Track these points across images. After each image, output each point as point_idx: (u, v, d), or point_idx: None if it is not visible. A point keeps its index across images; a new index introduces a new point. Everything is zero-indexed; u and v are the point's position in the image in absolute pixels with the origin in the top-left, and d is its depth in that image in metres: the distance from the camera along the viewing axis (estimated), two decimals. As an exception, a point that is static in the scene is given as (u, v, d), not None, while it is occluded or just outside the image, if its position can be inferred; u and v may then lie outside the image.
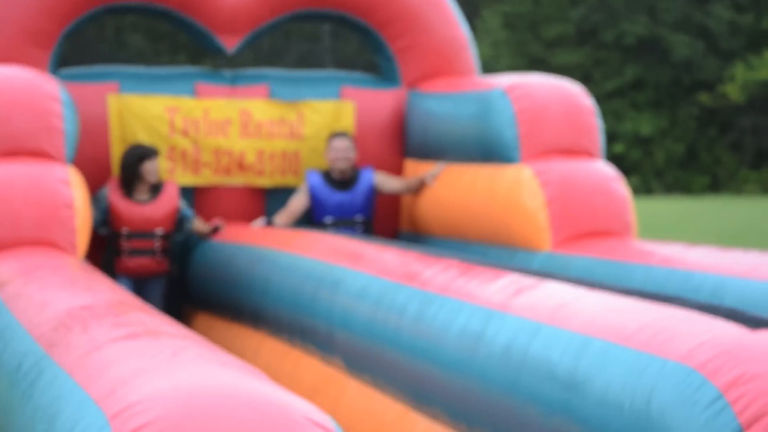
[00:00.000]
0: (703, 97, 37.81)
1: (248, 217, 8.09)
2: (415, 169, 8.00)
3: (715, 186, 38.05)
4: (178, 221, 7.60)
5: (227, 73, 8.25)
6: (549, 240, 6.39)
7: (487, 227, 6.94)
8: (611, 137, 37.67)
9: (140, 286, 7.51)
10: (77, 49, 31.20)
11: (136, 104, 7.93)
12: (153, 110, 7.95)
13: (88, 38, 33.67)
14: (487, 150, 7.00)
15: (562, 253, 6.27)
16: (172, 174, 7.93)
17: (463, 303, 4.41)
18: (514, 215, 6.62)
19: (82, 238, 6.36)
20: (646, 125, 38.07)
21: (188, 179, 8.00)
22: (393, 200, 8.16)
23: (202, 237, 7.72)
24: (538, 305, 4.01)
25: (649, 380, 3.23)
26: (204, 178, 8.07)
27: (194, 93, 8.05)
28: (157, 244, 7.47)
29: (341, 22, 8.42)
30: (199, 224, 7.72)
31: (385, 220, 8.15)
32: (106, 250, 7.48)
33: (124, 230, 7.40)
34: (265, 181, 8.15)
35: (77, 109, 7.29)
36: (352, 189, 7.78)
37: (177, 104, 7.99)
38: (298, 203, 7.81)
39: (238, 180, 8.11)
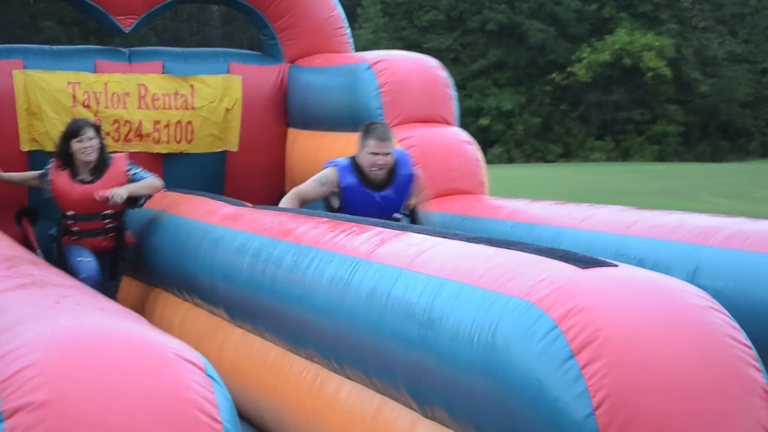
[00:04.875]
0: (555, 77, 38.37)
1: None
2: (296, 136, 7.89)
3: (567, 154, 38.71)
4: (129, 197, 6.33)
5: (125, 50, 8.03)
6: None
7: None
8: (477, 112, 38.01)
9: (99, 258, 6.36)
10: (-4, 33, 30.18)
11: (40, 79, 7.66)
12: (56, 84, 7.69)
13: (6, 23, 32.59)
14: (356, 118, 6.93)
15: (422, 211, 6.25)
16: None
17: (333, 254, 4.35)
18: (382, 177, 6.54)
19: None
20: (507, 101, 38.52)
21: (90, 147, 7.76)
22: (277, 164, 8.01)
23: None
24: (399, 253, 3.98)
25: (494, 315, 3.23)
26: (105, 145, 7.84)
27: (94, 69, 7.80)
28: (107, 224, 6.36)
29: (227, 4, 8.24)
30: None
31: (271, 184, 8.02)
32: (57, 229, 6.38)
33: (70, 212, 6.28)
34: (161, 148, 7.96)
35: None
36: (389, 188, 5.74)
37: (78, 79, 7.74)
38: (314, 194, 5.74)
39: (137, 147, 7.90)
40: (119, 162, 6.33)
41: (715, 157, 37.70)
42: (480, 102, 38.07)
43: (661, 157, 37.80)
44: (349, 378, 4.11)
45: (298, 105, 7.85)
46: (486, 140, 37.67)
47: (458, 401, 3.32)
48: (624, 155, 38.25)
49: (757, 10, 41.07)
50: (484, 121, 37.87)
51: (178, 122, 7.94)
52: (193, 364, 2.63)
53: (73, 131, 6.22)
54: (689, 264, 4.45)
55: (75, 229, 6.27)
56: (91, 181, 6.23)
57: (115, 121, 7.82)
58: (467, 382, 3.26)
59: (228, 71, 8.05)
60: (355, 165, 5.63)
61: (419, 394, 3.57)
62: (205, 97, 7.97)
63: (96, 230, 6.31)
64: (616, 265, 3.19)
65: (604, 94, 38.42)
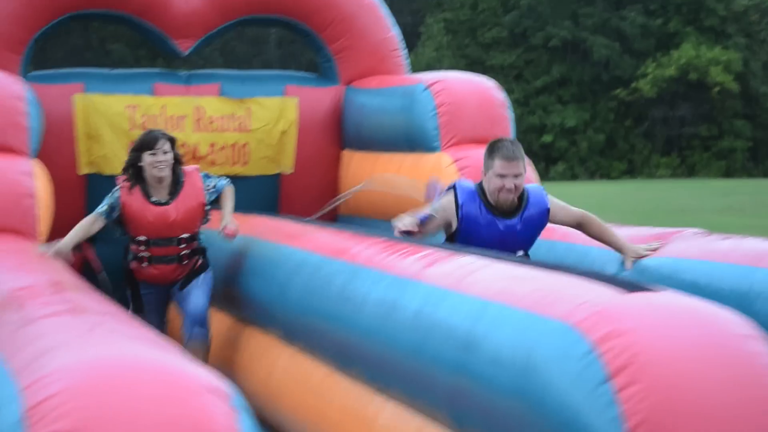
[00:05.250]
0: (620, 92, 37.98)
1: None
2: (351, 158, 7.86)
3: (631, 171, 38.25)
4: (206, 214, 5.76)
5: (182, 73, 8.08)
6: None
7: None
8: (541, 129, 37.75)
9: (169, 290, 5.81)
10: (66, 56, 30.76)
11: (99, 102, 7.73)
12: (115, 108, 7.75)
13: (76, 46, 33.22)
14: (412, 140, 6.92)
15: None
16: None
17: (383, 274, 4.32)
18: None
19: (43, 225, 6.17)
20: (570, 118, 38.20)
21: (147, 169, 7.80)
22: (332, 186, 7.99)
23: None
24: (447, 275, 3.93)
25: (533, 337, 3.19)
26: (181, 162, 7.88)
27: (152, 92, 7.86)
28: (183, 248, 5.72)
29: (285, 26, 8.26)
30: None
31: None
32: (124, 255, 5.84)
33: (142, 237, 5.68)
34: (216, 171, 7.96)
35: (45, 108, 7.08)
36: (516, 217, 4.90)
37: (137, 102, 7.80)
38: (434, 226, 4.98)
39: (193, 170, 7.93)
40: (193, 177, 5.69)
41: (785, 173, 36.98)
42: (543, 119, 37.82)
43: (728, 173, 37.16)
44: (392, 398, 4.07)
45: (354, 126, 7.83)
46: (549, 157, 37.40)
47: (496, 425, 3.28)
48: (690, 171, 37.68)
49: (827, 23, 40.26)
50: (547, 138, 37.61)
51: (234, 144, 7.95)
52: (219, 394, 2.61)
53: (147, 142, 5.58)
54: (743, 287, 4.36)
55: (145, 255, 5.67)
56: (166, 203, 5.62)
57: (172, 143, 7.85)
58: (504, 405, 3.22)
59: (284, 93, 8.05)
60: (480, 190, 4.83)
61: (458, 417, 3.53)
62: (261, 119, 7.98)
63: (170, 257, 5.68)
64: (659, 290, 3.14)
65: (670, 110, 37.89)
